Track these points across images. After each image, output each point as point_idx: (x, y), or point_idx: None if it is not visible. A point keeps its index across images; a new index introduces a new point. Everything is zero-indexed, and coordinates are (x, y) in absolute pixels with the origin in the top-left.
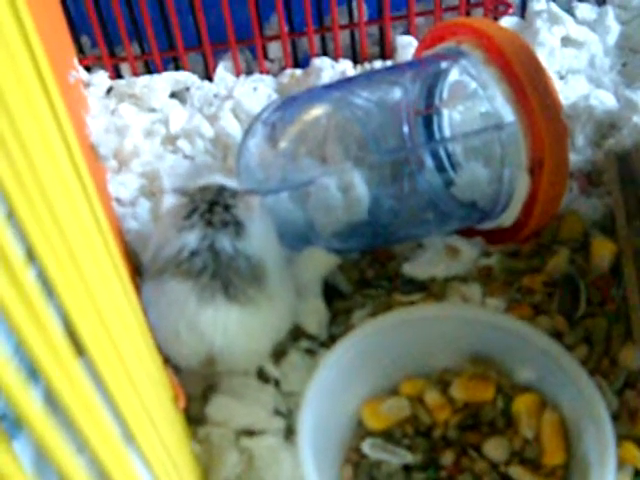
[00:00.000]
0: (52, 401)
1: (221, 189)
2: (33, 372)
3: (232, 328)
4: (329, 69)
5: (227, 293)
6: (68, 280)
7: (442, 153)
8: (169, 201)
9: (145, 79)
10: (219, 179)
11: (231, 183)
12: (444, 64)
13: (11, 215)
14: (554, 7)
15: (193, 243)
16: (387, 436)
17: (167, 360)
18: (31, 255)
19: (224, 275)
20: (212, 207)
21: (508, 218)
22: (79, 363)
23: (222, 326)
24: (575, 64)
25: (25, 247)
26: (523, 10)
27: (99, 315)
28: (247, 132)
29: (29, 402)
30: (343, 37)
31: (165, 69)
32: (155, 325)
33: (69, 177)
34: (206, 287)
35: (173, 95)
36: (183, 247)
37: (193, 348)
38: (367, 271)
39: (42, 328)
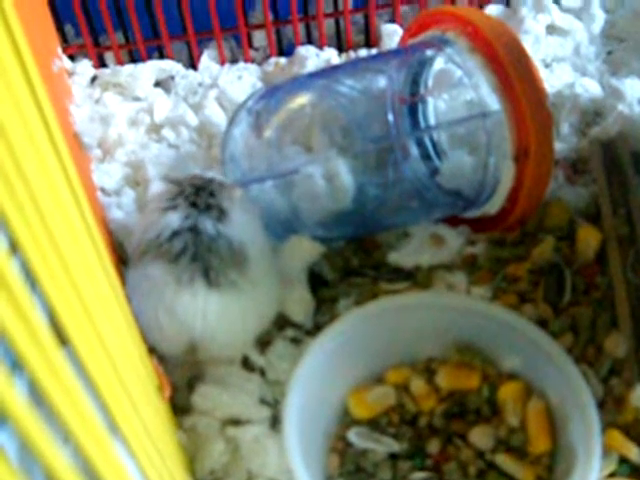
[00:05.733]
0: (36, 392)
1: (210, 179)
2: (17, 363)
3: (212, 314)
4: (314, 57)
5: (207, 277)
6: (52, 271)
7: (427, 141)
8: (156, 188)
9: (129, 68)
10: (209, 174)
11: (219, 177)
12: (429, 52)
13: None
14: None
15: (175, 223)
16: (373, 425)
17: (152, 349)
18: (14, 246)
19: (205, 258)
20: (198, 191)
21: (493, 206)
22: (63, 353)
23: (201, 312)
24: (560, 52)
25: (8, 238)
26: None
27: (83, 305)
28: (232, 121)
29: (13, 393)
30: (328, 25)
31: (149, 58)
32: (138, 312)
33: (53, 167)
34: (185, 270)
35: (157, 84)
36: (165, 228)
37: (173, 335)
38: (352, 260)
39: (25, 319)
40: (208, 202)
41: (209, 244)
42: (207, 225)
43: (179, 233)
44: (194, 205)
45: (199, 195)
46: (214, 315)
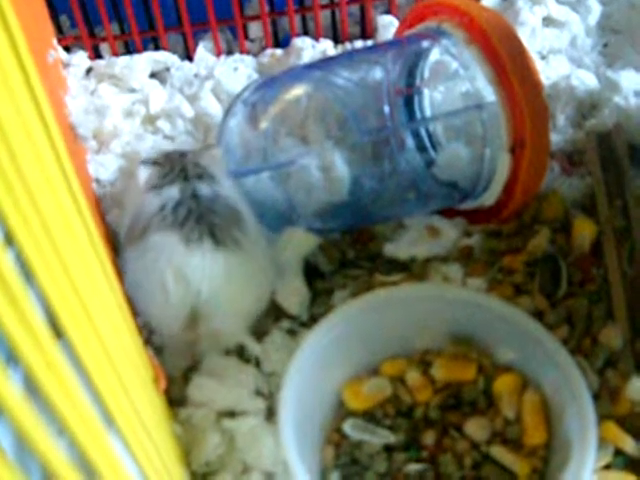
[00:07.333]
0: (31, 385)
1: (184, 152)
2: (12, 356)
3: (217, 276)
4: (310, 49)
5: (214, 236)
6: (47, 263)
7: (423, 133)
8: (140, 175)
9: (125, 59)
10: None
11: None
12: (425, 44)
13: None
14: None
15: (176, 195)
16: (368, 416)
17: (148, 341)
18: (9, 238)
19: (208, 218)
20: (183, 166)
21: (489, 198)
22: (58, 346)
23: (208, 272)
24: (556, 44)
25: (3, 230)
26: None
27: (78, 297)
28: (227, 112)
29: (8, 386)
30: (324, 17)
31: (145, 49)
32: (137, 291)
33: (48, 158)
34: (193, 231)
35: (153, 75)
36: (167, 201)
37: (178, 301)
38: (348, 251)
39: (20, 311)
40: (197, 172)
41: (209, 205)
42: (204, 189)
43: (182, 202)
44: (186, 178)
45: (186, 170)
46: (219, 277)
